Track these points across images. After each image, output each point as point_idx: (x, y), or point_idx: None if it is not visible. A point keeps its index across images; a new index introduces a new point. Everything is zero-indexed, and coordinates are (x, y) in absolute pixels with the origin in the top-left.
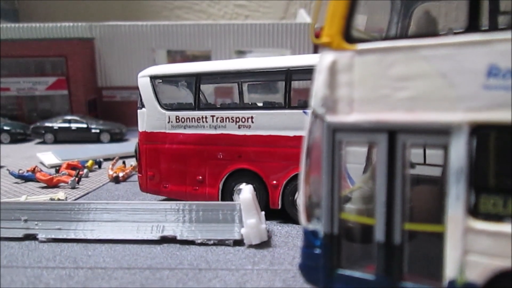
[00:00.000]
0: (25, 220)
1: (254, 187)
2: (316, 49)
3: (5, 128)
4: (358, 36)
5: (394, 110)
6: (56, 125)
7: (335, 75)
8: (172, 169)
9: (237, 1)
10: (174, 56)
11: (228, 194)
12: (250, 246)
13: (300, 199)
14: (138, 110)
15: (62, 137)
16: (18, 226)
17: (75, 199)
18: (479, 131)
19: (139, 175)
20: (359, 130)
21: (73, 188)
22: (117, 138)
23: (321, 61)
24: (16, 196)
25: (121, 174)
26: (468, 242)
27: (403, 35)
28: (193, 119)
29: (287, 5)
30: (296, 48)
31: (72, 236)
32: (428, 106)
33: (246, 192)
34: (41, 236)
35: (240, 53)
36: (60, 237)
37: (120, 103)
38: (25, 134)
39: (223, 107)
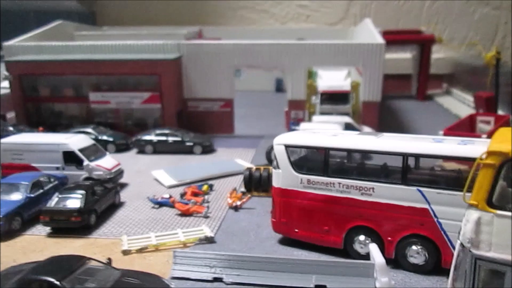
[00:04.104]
0: (213, 266)
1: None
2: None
3: (109, 139)
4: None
5: None
6: (155, 138)
7: (479, 226)
8: (303, 219)
9: (300, 1)
10: None
11: (349, 242)
12: None
13: None
14: (274, 170)
15: (160, 148)
16: (207, 271)
17: (215, 233)
18: None
19: (273, 219)
20: (494, 262)
21: (206, 217)
22: (207, 150)
23: (469, 214)
24: (169, 227)
25: (238, 203)
26: None
27: None
28: (322, 183)
29: (348, 5)
30: (367, 67)
31: (251, 282)
32: None
33: (379, 256)
34: (227, 279)
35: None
36: (240, 281)
37: (203, 113)
38: (126, 144)
39: (349, 177)
